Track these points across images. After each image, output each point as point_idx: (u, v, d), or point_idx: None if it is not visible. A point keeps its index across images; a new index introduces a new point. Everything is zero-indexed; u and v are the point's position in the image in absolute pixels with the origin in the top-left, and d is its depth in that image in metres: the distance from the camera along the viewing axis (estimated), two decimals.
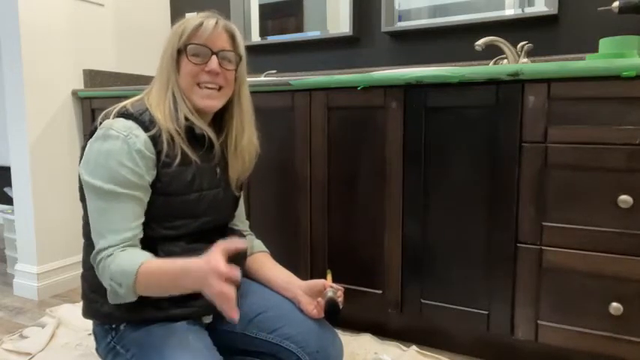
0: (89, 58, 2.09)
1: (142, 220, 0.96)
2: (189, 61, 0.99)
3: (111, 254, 0.91)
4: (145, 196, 0.96)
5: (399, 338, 1.53)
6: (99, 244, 0.93)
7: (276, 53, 2.21)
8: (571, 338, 1.22)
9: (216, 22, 1.01)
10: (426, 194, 1.37)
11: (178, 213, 1.00)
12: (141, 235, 0.96)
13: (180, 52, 1.00)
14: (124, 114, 0.97)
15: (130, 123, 0.95)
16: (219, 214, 1.09)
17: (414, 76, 1.31)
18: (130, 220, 0.94)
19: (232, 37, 1.04)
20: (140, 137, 0.94)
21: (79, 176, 0.98)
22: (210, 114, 1.06)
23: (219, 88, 1.02)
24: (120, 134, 0.93)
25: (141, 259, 0.90)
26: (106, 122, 0.96)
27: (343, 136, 1.47)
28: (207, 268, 0.80)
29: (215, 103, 1.02)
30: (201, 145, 1.03)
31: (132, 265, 0.89)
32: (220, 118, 1.09)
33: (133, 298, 0.92)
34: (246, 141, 1.10)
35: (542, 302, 1.25)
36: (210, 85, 1.00)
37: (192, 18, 1.02)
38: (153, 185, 0.97)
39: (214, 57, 1.00)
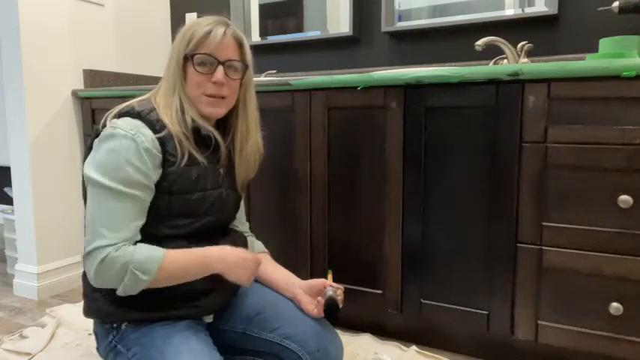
0: (89, 58, 2.09)
1: (142, 222, 0.96)
2: (195, 70, 0.99)
3: (114, 249, 0.90)
4: (148, 197, 0.96)
5: (399, 338, 1.53)
6: (95, 242, 0.91)
7: (276, 53, 2.21)
8: (571, 338, 1.23)
9: (225, 32, 1.00)
10: (426, 194, 1.37)
11: (181, 212, 1.00)
12: (138, 238, 0.95)
13: (187, 59, 1.00)
14: (131, 113, 0.97)
15: (137, 122, 0.96)
16: (222, 214, 1.09)
17: (414, 76, 1.31)
18: (131, 220, 0.93)
19: (240, 45, 1.04)
20: (147, 136, 0.94)
21: (83, 174, 0.98)
22: (214, 119, 1.06)
23: (224, 97, 1.02)
24: (128, 133, 0.93)
25: (162, 249, 0.94)
26: (113, 121, 0.96)
27: (343, 136, 1.47)
28: (252, 257, 1.01)
29: (219, 110, 1.03)
30: (207, 146, 1.04)
31: (157, 251, 0.93)
32: (225, 121, 1.10)
33: (145, 286, 0.92)
34: (251, 144, 1.11)
35: (542, 302, 1.25)
36: (215, 94, 1.01)
37: (201, 23, 1.01)
38: (158, 184, 0.97)
39: (220, 67, 1.00)
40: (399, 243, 1.41)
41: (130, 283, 0.91)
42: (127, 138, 0.93)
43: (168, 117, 0.98)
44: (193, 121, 1.00)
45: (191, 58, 0.99)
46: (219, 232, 1.10)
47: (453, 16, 1.80)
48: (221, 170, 1.08)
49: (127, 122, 0.95)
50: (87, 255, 0.92)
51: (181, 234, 1.00)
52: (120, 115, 0.98)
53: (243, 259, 1.00)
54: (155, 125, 0.96)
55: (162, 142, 0.96)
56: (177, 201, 0.98)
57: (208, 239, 1.04)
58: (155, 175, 0.96)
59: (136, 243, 0.94)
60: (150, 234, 0.97)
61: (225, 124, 1.10)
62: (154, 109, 0.99)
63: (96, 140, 0.97)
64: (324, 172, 1.50)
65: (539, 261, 1.24)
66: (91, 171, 0.94)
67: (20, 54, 1.81)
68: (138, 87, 1.83)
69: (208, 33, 0.99)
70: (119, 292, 0.92)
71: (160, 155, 0.96)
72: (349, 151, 1.46)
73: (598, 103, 1.15)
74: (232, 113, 1.09)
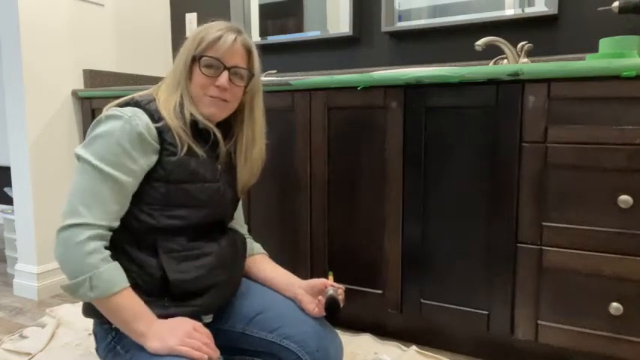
0: (89, 58, 2.09)
1: (121, 207, 0.95)
2: (201, 72, 1.01)
3: (101, 244, 0.90)
4: (131, 183, 0.95)
5: (399, 338, 1.53)
6: (72, 218, 0.90)
7: (276, 53, 2.21)
8: (571, 338, 1.23)
9: (235, 39, 1.02)
10: (426, 194, 1.37)
11: (180, 201, 1.00)
12: (115, 224, 0.94)
13: (195, 60, 1.01)
14: (130, 103, 0.99)
15: (136, 109, 0.97)
16: (220, 208, 1.09)
17: (414, 76, 1.31)
18: (110, 201, 0.92)
19: (249, 53, 1.06)
20: (144, 121, 0.95)
21: (74, 154, 0.98)
22: (213, 121, 1.06)
23: (225, 101, 1.04)
24: (124, 115, 0.94)
25: (126, 284, 0.92)
26: (111, 109, 0.98)
27: (343, 136, 1.47)
28: (193, 322, 0.93)
29: (219, 113, 1.04)
30: (205, 140, 1.04)
31: (119, 282, 0.90)
32: (229, 126, 1.10)
33: (83, 300, 0.92)
34: (257, 151, 1.12)
35: (542, 302, 1.25)
36: (217, 97, 1.02)
37: (213, 27, 1.03)
38: (154, 172, 0.97)
39: (225, 72, 1.01)
40: (399, 243, 1.41)
41: (78, 285, 0.89)
42: (123, 120, 0.94)
43: (167, 111, 0.99)
44: (191, 114, 1.01)
45: (198, 60, 1.01)
46: (218, 230, 1.10)
47: (453, 16, 1.80)
48: (219, 166, 1.08)
49: (125, 108, 0.97)
50: (67, 227, 0.90)
51: (180, 225, 0.99)
52: (120, 106, 0.99)
53: (178, 321, 0.93)
54: (154, 115, 0.97)
55: (160, 131, 0.97)
56: (174, 190, 0.99)
57: (207, 236, 1.04)
58: (146, 161, 0.96)
59: (112, 231, 0.94)
60: (150, 225, 0.97)
61: (228, 129, 1.10)
62: (154, 100, 1.01)
63: (93, 122, 0.98)
64: (324, 172, 1.50)
65: (539, 261, 1.24)
66: (80, 149, 0.95)
67: (20, 54, 1.81)
68: (138, 87, 1.83)
69: (219, 38, 1.00)
70: (62, 286, 0.91)
71: (155, 143, 0.96)
72: (349, 151, 1.46)
73: (598, 103, 1.15)
74: (237, 118, 1.10)
